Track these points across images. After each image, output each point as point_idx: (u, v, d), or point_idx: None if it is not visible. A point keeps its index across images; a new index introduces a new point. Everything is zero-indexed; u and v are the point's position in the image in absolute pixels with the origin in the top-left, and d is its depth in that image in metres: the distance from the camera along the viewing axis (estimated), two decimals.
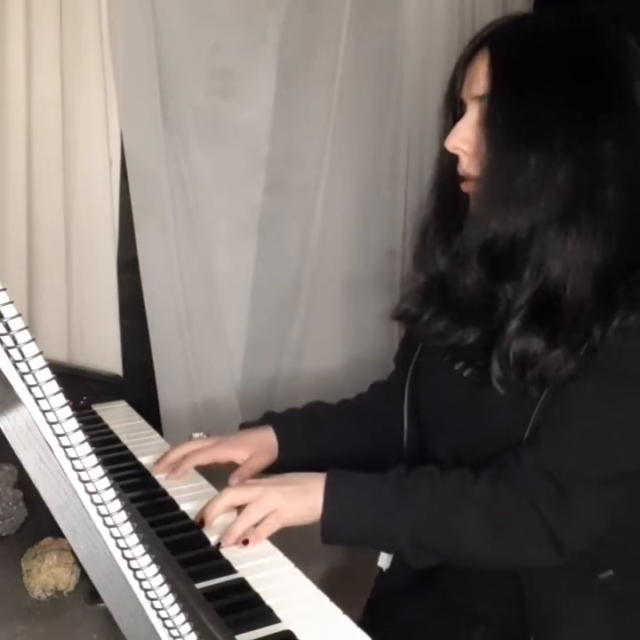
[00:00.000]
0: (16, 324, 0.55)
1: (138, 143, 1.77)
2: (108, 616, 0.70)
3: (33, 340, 0.55)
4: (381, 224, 2.16)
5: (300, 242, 2.05)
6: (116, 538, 0.61)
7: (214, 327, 1.96)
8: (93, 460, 0.58)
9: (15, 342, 0.55)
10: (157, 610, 0.63)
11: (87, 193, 1.70)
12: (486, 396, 1.05)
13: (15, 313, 0.55)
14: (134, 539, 0.61)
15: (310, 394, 1.44)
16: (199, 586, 0.93)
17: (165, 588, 0.63)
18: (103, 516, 0.60)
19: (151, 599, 0.63)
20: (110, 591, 0.63)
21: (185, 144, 1.89)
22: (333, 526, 1.02)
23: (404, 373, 1.23)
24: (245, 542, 1.02)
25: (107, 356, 1.75)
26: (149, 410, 1.70)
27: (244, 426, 1.31)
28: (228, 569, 0.98)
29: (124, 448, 1.35)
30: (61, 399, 0.57)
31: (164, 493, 1.18)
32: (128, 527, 0.60)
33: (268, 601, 0.90)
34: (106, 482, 0.59)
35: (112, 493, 0.59)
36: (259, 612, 0.89)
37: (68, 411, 0.57)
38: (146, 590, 0.63)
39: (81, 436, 0.58)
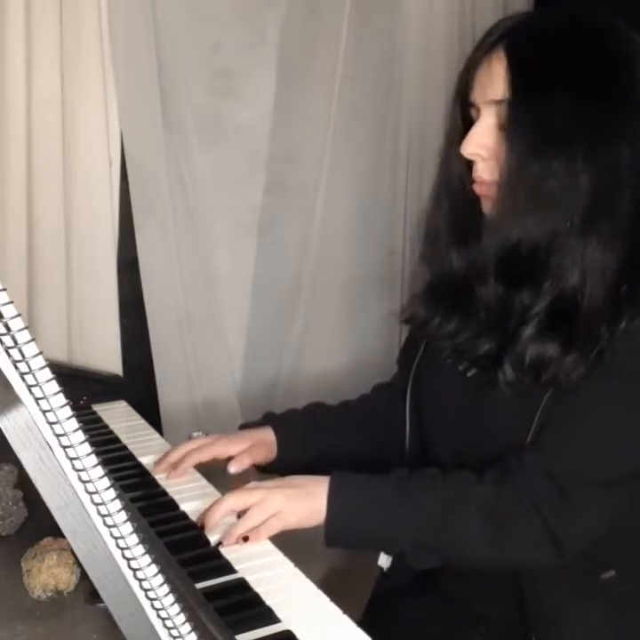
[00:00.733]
0: (16, 324, 0.55)
1: (138, 143, 1.77)
2: (108, 616, 0.70)
3: (33, 340, 0.55)
4: (381, 224, 2.16)
5: (300, 242, 2.05)
6: (116, 538, 0.61)
7: (214, 327, 1.96)
8: (93, 459, 0.58)
9: (15, 342, 0.55)
10: (157, 610, 0.63)
11: (87, 193, 1.70)
12: (490, 397, 1.05)
13: (15, 313, 0.55)
14: (134, 539, 0.61)
15: (310, 394, 1.44)
16: (199, 586, 0.93)
17: (165, 588, 0.63)
18: (103, 515, 0.60)
19: (151, 599, 0.63)
20: (110, 591, 0.63)
21: (185, 144, 1.89)
22: (337, 529, 1.02)
23: (407, 374, 1.23)
24: (245, 539, 1.02)
25: (107, 356, 1.75)
26: (149, 410, 1.70)
27: (244, 427, 1.31)
28: (228, 569, 0.98)
29: (124, 448, 1.35)
30: (61, 399, 0.57)
31: (164, 493, 1.18)
32: (128, 527, 0.60)
33: (268, 601, 0.90)
34: (106, 482, 0.59)
35: (112, 493, 0.59)
36: (259, 612, 0.89)
37: (67, 411, 0.57)
38: (146, 590, 0.63)
39: (81, 435, 0.58)
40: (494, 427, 1.06)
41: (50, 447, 0.58)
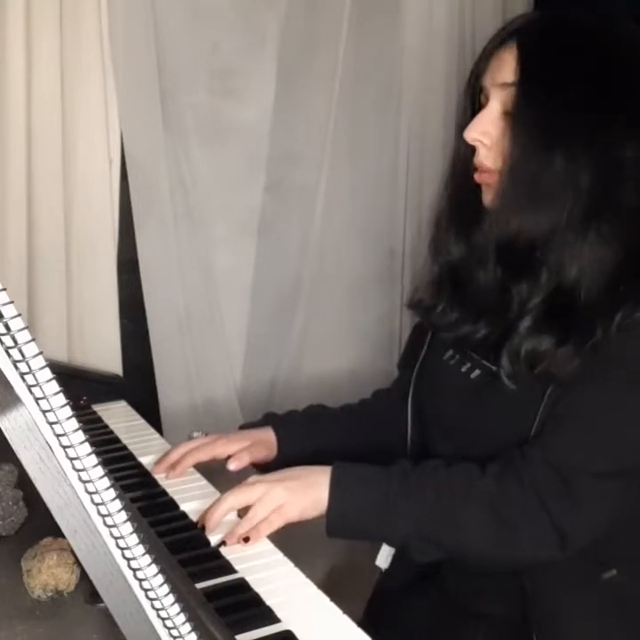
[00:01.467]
0: (16, 324, 0.55)
1: (138, 143, 1.77)
2: (107, 616, 0.70)
3: (33, 340, 0.55)
4: (381, 224, 2.16)
5: (300, 242, 2.05)
6: (116, 538, 0.61)
7: (214, 327, 1.96)
8: (93, 459, 0.58)
9: (15, 342, 0.55)
10: (157, 610, 0.63)
11: (87, 193, 1.70)
12: (493, 397, 1.05)
13: (15, 313, 0.55)
14: (134, 539, 0.61)
15: (310, 394, 1.44)
16: (199, 586, 0.93)
17: (165, 588, 0.63)
18: (103, 515, 0.60)
19: (151, 599, 0.63)
20: (110, 591, 0.63)
21: (185, 144, 1.89)
22: (338, 519, 1.02)
23: (409, 376, 1.23)
24: (246, 540, 1.02)
25: (107, 355, 1.75)
26: (149, 410, 1.70)
27: (244, 427, 1.31)
28: (228, 569, 0.98)
29: (124, 448, 1.35)
30: (61, 399, 0.57)
31: (164, 493, 1.18)
32: (128, 527, 0.60)
33: (268, 601, 0.90)
34: (106, 482, 0.59)
35: (112, 493, 0.59)
36: (259, 612, 0.89)
37: (68, 411, 0.57)
38: (146, 590, 0.63)
39: (81, 435, 0.58)
40: (496, 426, 1.06)
41: (50, 447, 0.58)
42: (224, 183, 1.96)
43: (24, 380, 0.56)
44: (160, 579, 0.62)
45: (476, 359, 1.11)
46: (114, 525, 0.60)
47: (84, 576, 0.92)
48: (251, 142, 1.98)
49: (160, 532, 1.05)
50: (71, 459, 0.58)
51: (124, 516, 0.60)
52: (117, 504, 0.60)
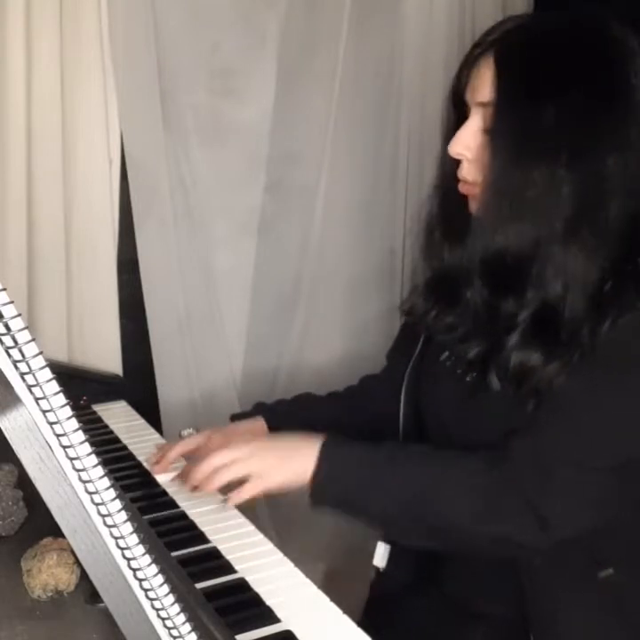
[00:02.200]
0: (16, 324, 0.55)
1: (138, 143, 1.77)
2: (107, 616, 0.70)
3: (33, 340, 0.55)
4: (381, 223, 2.16)
5: (300, 242, 2.05)
6: (116, 538, 0.61)
7: (214, 327, 1.96)
8: (93, 460, 0.58)
9: (15, 342, 0.55)
10: (157, 610, 0.63)
11: (87, 193, 1.70)
12: (489, 400, 1.06)
13: (15, 313, 0.55)
14: (134, 539, 0.61)
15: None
16: (199, 586, 0.93)
17: (165, 588, 0.63)
18: (103, 515, 0.60)
19: (151, 599, 0.63)
20: (110, 591, 0.63)
21: (185, 144, 1.89)
22: (323, 487, 1.03)
23: (400, 369, 1.23)
24: (224, 491, 1.05)
25: (107, 355, 1.75)
26: (149, 410, 1.70)
27: (236, 417, 1.33)
28: (228, 569, 0.98)
29: (124, 448, 1.36)
30: (61, 399, 0.57)
31: (164, 493, 1.18)
32: (128, 527, 0.60)
33: (268, 601, 0.90)
34: (106, 482, 0.59)
35: (112, 493, 0.60)
36: (259, 612, 0.89)
37: (68, 411, 0.57)
38: (146, 590, 0.63)
39: (81, 435, 0.58)
40: (492, 428, 1.07)
41: (50, 447, 0.58)
42: (224, 183, 1.96)
43: (24, 380, 0.56)
44: (160, 579, 0.63)
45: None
46: (114, 525, 0.60)
47: (83, 576, 0.92)
48: (251, 142, 1.98)
49: (160, 532, 1.05)
50: (71, 459, 0.58)
51: (123, 515, 0.60)
52: (117, 504, 0.60)
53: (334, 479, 1.03)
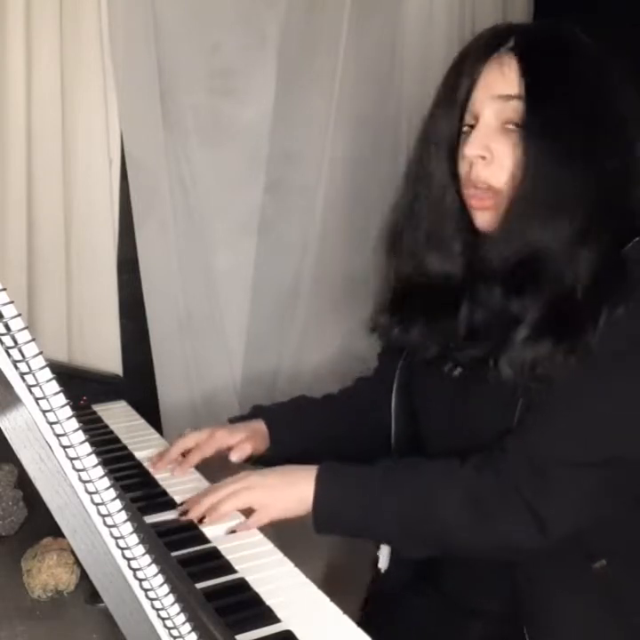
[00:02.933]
0: (16, 324, 0.55)
1: (138, 143, 1.77)
2: (108, 616, 0.70)
3: (33, 340, 0.55)
4: (382, 224, 2.16)
5: (300, 242, 2.05)
6: (116, 538, 0.61)
7: (214, 327, 1.96)
8: (93, 460, 0.58)
9: (15, 342, 0.55)
10: (157, 610, 0.63)
11: (87, 193, 1.70)
12: (475, 394, 1.07)
13: (15, 313, 0.55)
14: (134, 539, 0.61)
15: (310, 393, 1.44)
16: (199, 586, 0.93)
17: (165, 588, 0.63)
18: (103, 515, 0.60)
19: (151, 599, 0.63)
20: (110, 591, 0.63)
21: (185, 144, 1.89)
22: (324, 516, 1.05)
23: (391, 369, 1.24)
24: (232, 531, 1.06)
25: (107, 355, 1.75)
26: (149, 410, 1.70)
27: (233, 420, 1.34)
28: (228, 569, 0.98)
29: (124, 448, 1.36)
30: (61, 399, 0.57)
31: (164, 493, 1.18)
32: (128, 527, 0.60)
33: (268, 601, 0.90)
34: (106, 482, 0.59)
35: (112, 493, 0.60)
36: (259, 612, 0.89)
37: (68, 411, 0.57)
38: (146, 590, 0.63)
39: (81, 435, 0.58)
40: (480, 422, 1.07)
41: (50, 447, 0.58)
42: (224, 183, 1.96)
43: (24, 380, 0.56)
44: (160, 579, 0.63)
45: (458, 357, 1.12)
46: (114, 525, 0.60)
47: (84, 576, 0.92)
48: (251, 142, 1.98)
49: (160, 532, 1.05)
50: (71, 459, 0.58)
51: (123, 515, 0.60)
52: (117, 504, 0.60)
53: (333, 508, 1.05)
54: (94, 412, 1.52)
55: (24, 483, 1.06)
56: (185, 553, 1.01)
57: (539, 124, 0.99)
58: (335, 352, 2.10)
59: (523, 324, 1.01)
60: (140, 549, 0.61)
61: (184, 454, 1.27)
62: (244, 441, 1.24)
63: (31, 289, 1.66)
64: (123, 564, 0.62)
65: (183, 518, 1.08)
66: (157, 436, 1.44)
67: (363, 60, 2.02)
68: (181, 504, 1.12)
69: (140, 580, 0.62)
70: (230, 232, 2.00)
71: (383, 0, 2.05)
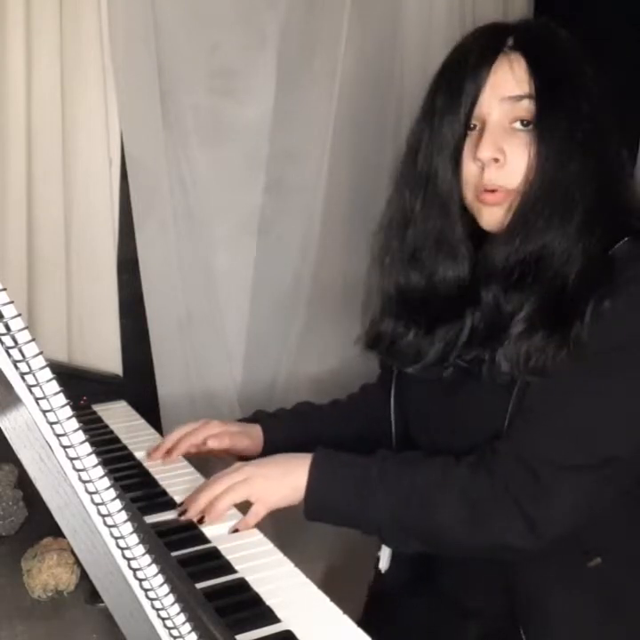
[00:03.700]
0: (16, 324, 0.55)
1: (138, 143, 1.77)
2: (108, 616, 0.70)
3: (33, 340, 0.55)
4: None
5: (300, 242, 2.05)
6: (116, 538, 0.61)
7: (214, 327, 1.96)
8: (93, 460, 0.58)
9: (15, 342, 0.55)
10: (157, 610, 0.63)
11: (87, 193, 1.70)
12: (466, 394, 1.07)
13: (15, 313, 0.55)
14: (134, 539, 0.61)
15: (310, 393, 1.45)
16: (199, 586, 0.93)
17: (165, 588, 0.63)
18: (103, 515, 0.60)
19: (151, 599, 0.63)
20: (110, 591, 0.63)
21: (185, 144, 1.89)
22: (316, 502, 1.05)
23: (390, 374, 1.24)
24: (235, 531, 1.06)
25: (107, 355, 1.75)
26: (149, 409, 1.70)
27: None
28: (228, 569, 0.98)
29: (124, 448, 1.36)
30: (61, 399, 0.57)
31: (164, 493, 1.18)
32: (128, 527, 0.60)
33: (268, 601, 0.90)
34: (106, 482, 0.59)
35: (112, 493, 0.60)
36: (259, 612, 0.89)
37: (68, 411, 0.57)
38: (146, 590, 0.63)
39: (81, 435, 0.58)
40: (471, 422, 1.08)
41: (50, 447, 0.58)
42: (224, 183, 1.96)
43: (24, 379, 0.56)
44: (160, 579, 0.63)
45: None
46: (114, 525, 0.60)
47: (84, 576, 0.92)
48: (251, 142, 1.98)
49: (160, 532, 1.05)
50: (71, 459, 0.58)
51: (124, 515, 0.60)
52: (117, 504, 0.60)
53: (324, 495, 1.05)
54: (94, 412, 1.52)
55: (24, 483, 1.06)
56: (185, 553, 1.01)
57: (551, 122, 0.99)
58: (335, 352, 2.10)
59: (518, 318, 1.01)
60: (140, 549, 0.61)
61: None
62: (231, 433, 1.27)
63: (31, 289, 1.66)
64: (123, 563, 0.62)
65: (182, 518, 1.08)
66: (157, 436, 1.45)
67: (363, 60, 2.02)
68: (181, 504, 1.12)
69: (140, 580, 0.62)
70: (230, 232, 2.00)
71: (383, 0, 2.05)
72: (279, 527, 1.60)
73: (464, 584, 1.13)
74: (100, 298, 1.74)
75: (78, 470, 0.58)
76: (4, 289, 0.54)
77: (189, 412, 1.92)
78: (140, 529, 0.62)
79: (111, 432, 1.43)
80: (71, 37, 1.62)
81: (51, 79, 1.60)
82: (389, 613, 1.22)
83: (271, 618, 0.88)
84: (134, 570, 0.62)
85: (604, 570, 1.05)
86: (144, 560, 0.62)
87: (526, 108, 1.01)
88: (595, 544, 1.05)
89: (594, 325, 0.97)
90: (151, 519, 1.09)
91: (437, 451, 1.09)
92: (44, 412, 0.57)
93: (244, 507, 1.08)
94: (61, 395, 0.57)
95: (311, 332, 2.06)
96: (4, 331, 0.55)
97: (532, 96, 1.00)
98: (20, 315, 0.55)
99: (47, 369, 0.56)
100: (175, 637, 0.64)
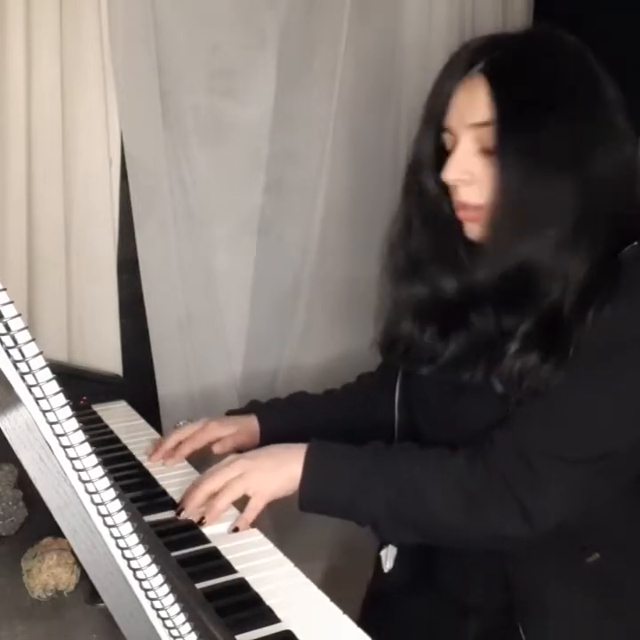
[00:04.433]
0: (16, 324, 0.55)
1: (138, 143, 1.77)
2: (107, 616, 0.70)
3: (33, 340, 0.55)
4: (381, 224, 2.16)
5: (300, 242, 2.05)
6: (116, 538, 0.61)
7: (214, 327, 1.96)
8: (93, 460, 0.58)
9: (15, 342, 0.55)
10: (157, 610, 0.63)
11: (87, 193, 1.70)
12: (471, 391, 1.07)
13: (15, 313, 0.55)
14: (134, 539, 0.61)
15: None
16: (199, 586, 0.93)
17: (165, 588, 0.63)
18: (103, 515, 0.60)
19: (151, 599, 0.63)
20: (110, 591, 0.63)
21: (185, 144, 1.89)
22: (311, 494, 1.05)
23: (394, 370, 1.24)
24: (235, 530, 1.06)
25: (107, 355, 1.75)
26: (149, 409, 1.70)
27: (230, 414, 1.36)
28: (228, 569, 0.98)
29: (124, 448, 1.36)
30: (61, 399, 0.57)
31: (164, 493, 1.18)
32: (128, 527, 0.60)
33: (268, 601, 0.90)
34: (106, 482, 0.59)
35: (112, 493, 0.60)
36: (259, 612, 0.89)
37: (67, 411, 0.57)
38: (146, 590, 0.63)
39: (81, 435, 0.58)
40: (476, 418, 1.08)
41: (50, 447, 0.58)
42: (224, 183, 1.96)
43: (24, 380, 0.56)
44: (160, 579, 0.63)
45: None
46: (114, 525, 0.60)
47: (84, 576, 0.92)
48: (251, 142, 1.98)
49: (160, 532, 1.05)
50: (71, 459, 0.58)
51: (123, 515, 0.60)
52: (117, 504, 0.60)
53: (319, 485, 1.05)
54: (94, 412, 1.52)
55: (24, 483, 1.06)
56: (185, 553, 1.01)
57: (511, 148, 1.00)
58: (335, 352, 2.10)
59: (514, 338, 1.02)
60: (140, 549, 0.61)
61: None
62: (233, 435, 1.27)
63: (31, 289, 1.66)
64: (123, 563, 0.62)
65: (181, 516, 1.08)
66: (157, 436, 1.44)
67: (363, 60, 2.02)
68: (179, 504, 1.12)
69: (140, 580, 0.62)
70: (230, 232, 2.00)
71: (383, 0, 2.05)
72: (279, 527, 1.60)
73: (463, 581, 1.14)
74: (100, 298, 1.74)
75: (78, 470, 0.58)
76: (4, 289, 0.54)
77: (189, 411, 1.92)
78: (140, 529, 0.62)
79: (111, 432, 1.43)
80: (71, 37, 1.62)
81: (51, 79, 1.60)
82: (389, 612, 1.22)
83: (271, 618, 0.88)
84: (134, 570, 0.62)
85: (603, 566, 1.06)
86: (144, 560, 0.62)
87: (489, 135, 1.01)
88: (593, 540, 1.06)
89: (595, 327, 0.98)
90: (151, 519, 1.09)
91: (438, 441, 1.09)
92: (44, 412, 0.57)
93: (242, 502, 1.08)
94: (61, 395, 0.57)
95: (311, 332, 2.06)
96: (3, 331, 0.55)
97: (492, 123, 1.01)
98: (20, 315, 0.55)
99: (47, 369, 0.56)
100: (175, 637, 0.64)
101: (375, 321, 1.24)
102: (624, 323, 0.99)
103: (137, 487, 1.20)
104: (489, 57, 1.03)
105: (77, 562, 0.92)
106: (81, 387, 1.59)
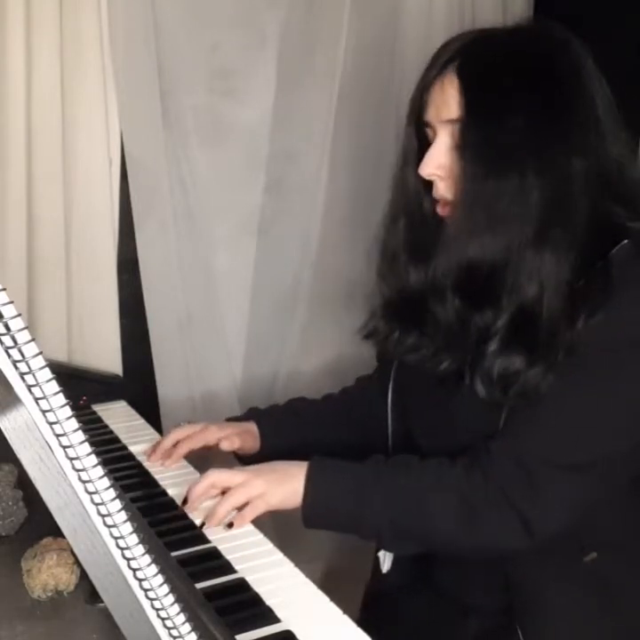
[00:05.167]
0: (16, 324, 0.55)
1: (138, 143, 1.77)
2: (107, 616, 0.70)
3: (33, 340, 0.55)
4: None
5: (300, 242, 2.05)
6: (116, 538, 0.61)
7: (214, 327, 1.96)
8: (93, 460, 0.58)
9: (15, 342, 0.55)
10: (157, 610, 0.63)
11: (87, 193, 1.70)
12: (462, 394, 1.07)
13: (15, 313, 0.55)
14: (134, 539, 0.61)
15: (310, 393, 1.45)
16: (199, 586, 0.93)
17: (165, 588, 0.63)
18: (103, 515, 0.60)
19: (151, 599, 0.63)
20: (110, 591, 0.63)
21: (185, 144, 1.89)
22: (313, 510, 1.06)
23: (387, 371, 1.24)
24: (230, 525, 1.06)
25: (107, 355, 1.75)
26: (149, 409, 1.70)
27: (231, 420, 1.36)
28: (228, 569, 0.98)
29: (124, 448, 1.36)
30: (61, 399, 0.57)
31: (164, 493, 1.18)
32: (128, 527, 0.60)
33: (268, 601, 0.91)
34: (106, 482, 0.59)
35: (112, 493, 0.60)
36: (259, 612, 0.89)
37: (67, 411, 0.57)
38: (146, 590, 0.63)
39: (81, 435, 0.58)
40: (467, 421, 1.09)
41: (50, 447, 0.58)
42: (224, 183, 1.96)
43: (24, 380, 0.56)
44: (160, 579, 0.63)
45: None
46: (114, 525, 0.60)
47: (84, 576, 0.92)
48: (251, 142, 1.98)
49: (160, 532, 1.05)
50: (71, 459, 0.58)
51: (123, 515, 0.60)
52: (117, 504, 0.60)
53: (322, 504, 1.05)
54: (94, 412, 1.52)
55: (24, 483, 1.06)
56: (185, 553, 1.01)
57: (474, 145, 1.00)
58: (335, 352, 2.10)
59: (491, 335, 1.02)
60: (140, 549, 0.61)
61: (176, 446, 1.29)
62: (238, 433, 1.27)
63: (31, 289, 1.66)
64: (123, 564, 0.62)
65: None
66: (157, 436, 1.45)
67: (363, 59, 2.02)
68: (182, 503, 1.13)
69: (140, 580, 0.62)
70: (230, 232, 2.00)
71: (383, 0, 2.05)
72: (279, 527, 1.60)
73: (463, 581, 1.14)
74: (100, 298, 1.74)
75: (78, 470, 0.58)
76: (4, 289, 0.54)
77: (189, 412, 1.92)
78: (140, 529, 0.62)
79: (111, 432, 1.43)
80: (71, 37, 1.62)
81: (51, 79, 1.60)
82: (389, 612, 1.22)
83: (271, 618, 0.88)
84: (134, 570, 0.62)
85: (601, 565, 1.06)
86: (144, 560, 0.62)
87: (458, 131, 1.02)
88: (591, 539, 1.06)
89: (588, 331, 0.97)
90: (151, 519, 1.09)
91: (434, 447, 1.10)
92: (44, 412, 0.57)
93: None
94: (61, 395, 0.57)
95: (311, 332, 2.06)
96: (3, 331, 0.55)
97: (461, 120, 1.01)
98: (20, 315, 0.55)
99: (47, 369, 0.56)
100: (175, 637, 0.64)
101: (365, 307, 1.25)
102: (618, 326, 0.98)
103: (137, 487, 1.20)
104: (464, 54, 1.04)
105: (77, 562, 0.92)
106: (81, 387, 1.59)
